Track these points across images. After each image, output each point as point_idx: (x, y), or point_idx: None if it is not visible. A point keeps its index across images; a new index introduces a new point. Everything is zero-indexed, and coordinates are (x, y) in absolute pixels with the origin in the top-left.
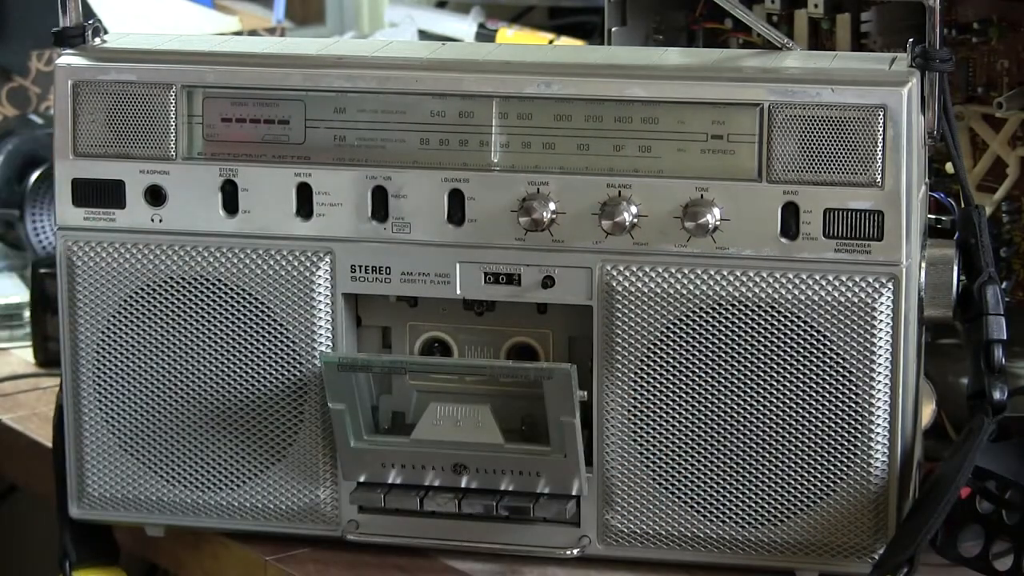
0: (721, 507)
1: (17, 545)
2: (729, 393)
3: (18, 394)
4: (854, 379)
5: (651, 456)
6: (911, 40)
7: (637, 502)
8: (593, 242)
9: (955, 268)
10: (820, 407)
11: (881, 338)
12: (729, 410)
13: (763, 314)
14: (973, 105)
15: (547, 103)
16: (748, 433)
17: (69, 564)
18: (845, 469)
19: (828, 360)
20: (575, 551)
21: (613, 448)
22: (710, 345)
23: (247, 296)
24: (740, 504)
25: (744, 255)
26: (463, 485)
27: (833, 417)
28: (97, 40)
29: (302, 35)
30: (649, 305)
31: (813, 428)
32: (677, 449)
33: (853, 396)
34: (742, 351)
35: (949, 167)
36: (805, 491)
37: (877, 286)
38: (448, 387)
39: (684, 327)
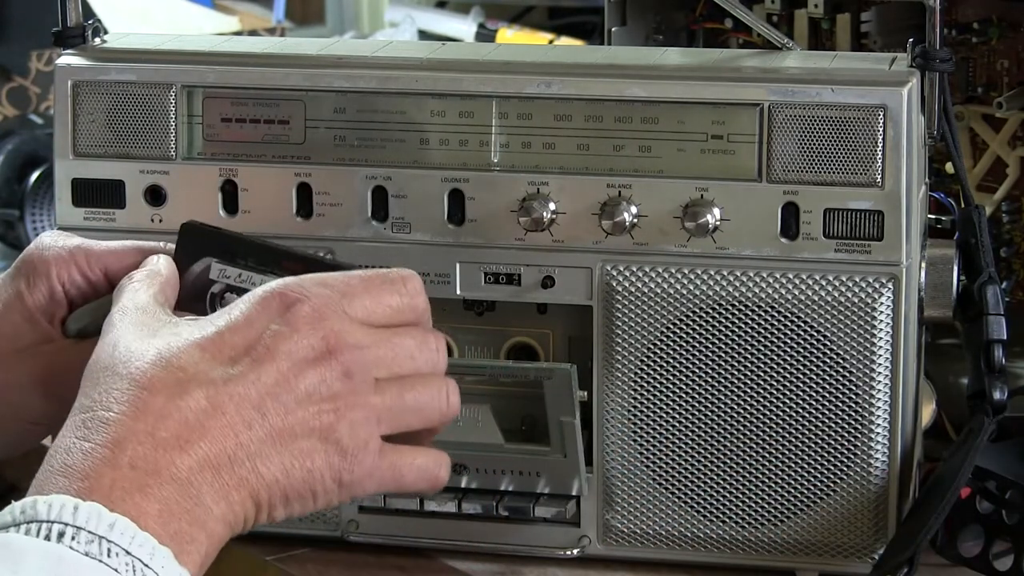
0: (721, 507)
1: None
2: (729, 393)
3: None
4: (854, 379)
5: (651, 456)
6: (911, 40)
7: (637, 502)
8: (593, 242)
9: (955, 268)
10: (820, 407)
11: (881, 338)
12: (729, 410)
13: (763, 314)
14: (973, 105)
15: (547, 103)
16: (748, 433)
17: None
18: (845, 469)
19: (828, 360)
20: (575, 551)
21: (613, 448)
22: (710, 345)
23: None
24: (740, 504)
25: (744, 255)
26: (463, 485)
27: (833, 417)
28: (97, 40)
29: (302, 35)
30: (649, 305)
31: (813, 428)
32: (677, 449)
33: (853, 396)
34: (742, 351)
35: (949, 167)
36: (805, 491)
37: (877, 286)
38: None
39: (684, 327)
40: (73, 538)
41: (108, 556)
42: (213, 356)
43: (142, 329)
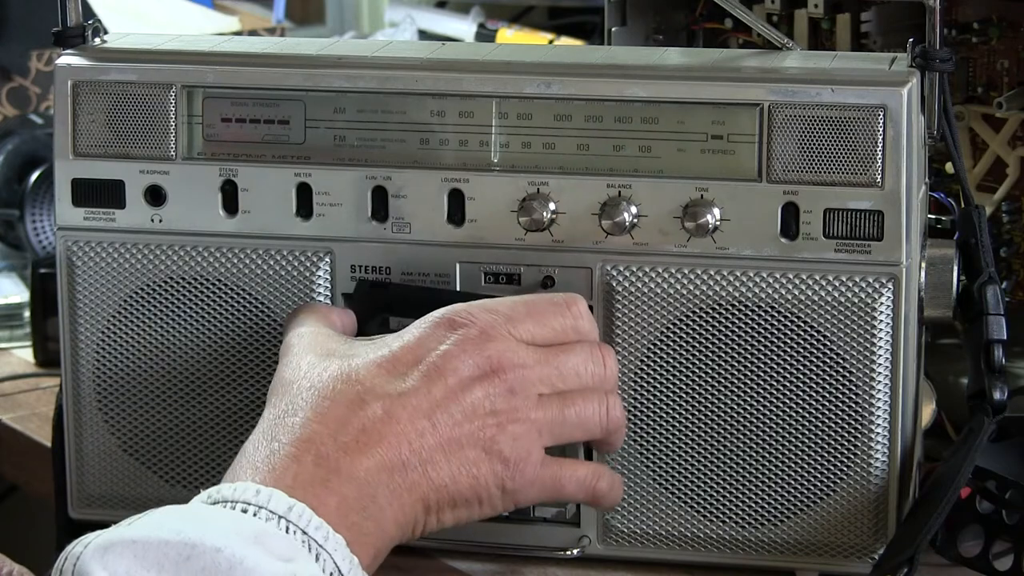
0: (721, 507)
1: (17, 545)
2: (729, 393)
3: (18, 394)
4: (854, 379)
5: (651, 456)
6: (911, 40)
7: (637, 502)
8: (593, 242)
9: (955, 268)
10: (820, 407)
11: (881, 338)
12: (729, 410)
13: (763, 314)
14: (973, 105)
15: (547, 103)
16: (748, 433)
17: None
18: (845, 469)
19: (828, 360)
20: (575, 551)
21: None
22: (710, 345)
23: (247, 296)
24: (740, 504)
25: (744, 255)
26: None
27: (833, 417)
28: (97, 40)
29: (302, 35)
30: (649, 305)
31: (813, 428)
32: (677, 449)
33: (853, 396)
34: (742, 351)
35: (949, 167)
36: (805, 491)
37: (877, 286)
38: None
39: (684, 327)
40: (255, 515)
41: (287, 533)
42: (389, 372)
43: (320, 349)
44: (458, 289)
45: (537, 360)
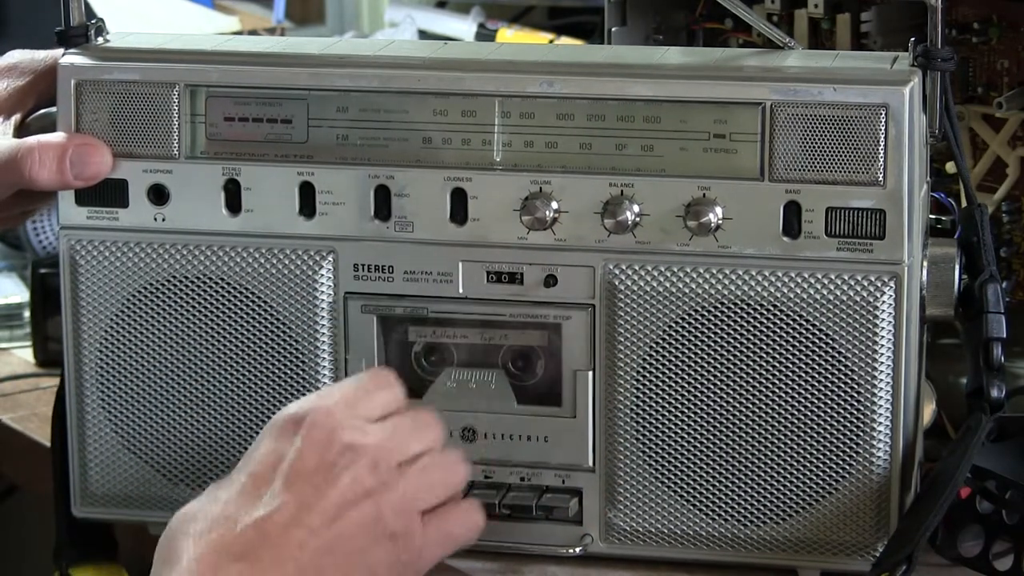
0: (723, 505)
1: (17, 545)
2: (731, 392)
3: (18, 394)
4: (856, 377)
5: (653, 454)
6: (913, 39)
7: (640, 500)
8: (595, 241)
9: (957, 267)
10: (822, 406)
11: (883, 336)
12: (731, 409)
13: (765, 313)
14: (973, 105)
15: (549, 102)
16: (750, 431)
17: (66, 562)
18: (847, 467)
19: (830, 359)
20: (577, 549)
21: (616, 446)
22: (712, 344)
23: (250, 295)
24: (742, 502)
25: (746, 254)
26: (474, 459)
27: (835, 416)
28: (100, 39)
29: (302, 35)
30: (651, 304)
31: (815, 426)
32: (679, 447)
33: (855, 394)
34: (744, 350)
35: (950, 167)
36: (807, 489)
37: (879, 285)
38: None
39: (686, 326)
40: None
41: None
42: (252, 495)
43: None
44: (460, 290)
45: (384, 433)
